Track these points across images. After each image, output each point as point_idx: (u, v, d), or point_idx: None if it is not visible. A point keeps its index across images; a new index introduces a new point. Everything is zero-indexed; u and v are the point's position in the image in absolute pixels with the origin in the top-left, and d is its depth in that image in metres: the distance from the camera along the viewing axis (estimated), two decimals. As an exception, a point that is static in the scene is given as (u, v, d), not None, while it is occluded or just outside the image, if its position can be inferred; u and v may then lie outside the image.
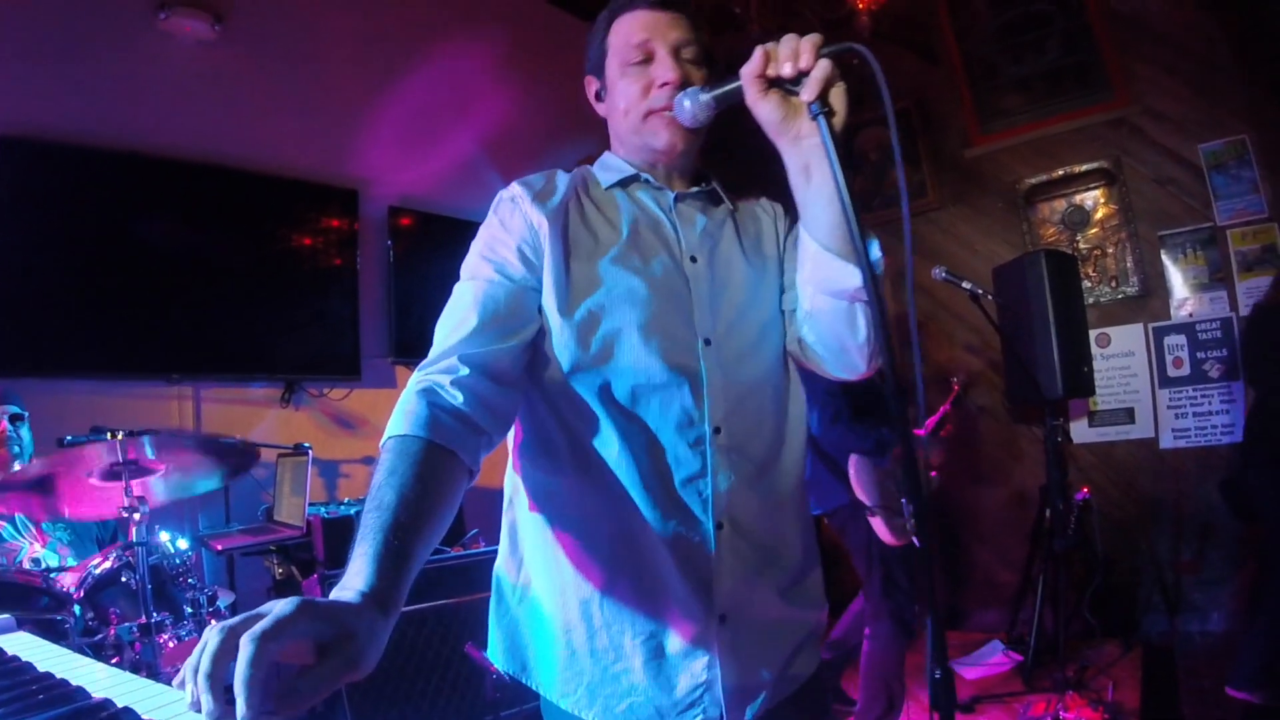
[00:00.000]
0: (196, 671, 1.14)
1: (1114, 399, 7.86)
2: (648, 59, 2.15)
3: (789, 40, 1.80)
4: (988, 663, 7.00)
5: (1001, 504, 8.44)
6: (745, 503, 2.10)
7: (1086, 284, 7.83)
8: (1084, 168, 8.00)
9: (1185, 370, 7.52)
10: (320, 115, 7.08)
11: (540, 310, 2.04)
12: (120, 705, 1.43)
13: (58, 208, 5.76)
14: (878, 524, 5.37)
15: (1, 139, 5.51)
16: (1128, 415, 7.81)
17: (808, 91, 1.77)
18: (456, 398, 1.82)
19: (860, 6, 6.79)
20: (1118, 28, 7.65)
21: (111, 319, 5.95)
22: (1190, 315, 7.47)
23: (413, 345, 7.35)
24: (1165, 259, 7.61)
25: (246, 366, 6.67)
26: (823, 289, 2.02)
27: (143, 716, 1.39)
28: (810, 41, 1.78)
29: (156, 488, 4.41)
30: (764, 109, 1.86)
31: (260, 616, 1.19)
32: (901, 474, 5.60)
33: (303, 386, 6.93)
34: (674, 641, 2.05)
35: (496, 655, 2.23)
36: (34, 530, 4.86)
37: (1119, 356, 7.85)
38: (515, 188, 2.17)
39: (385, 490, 1.59)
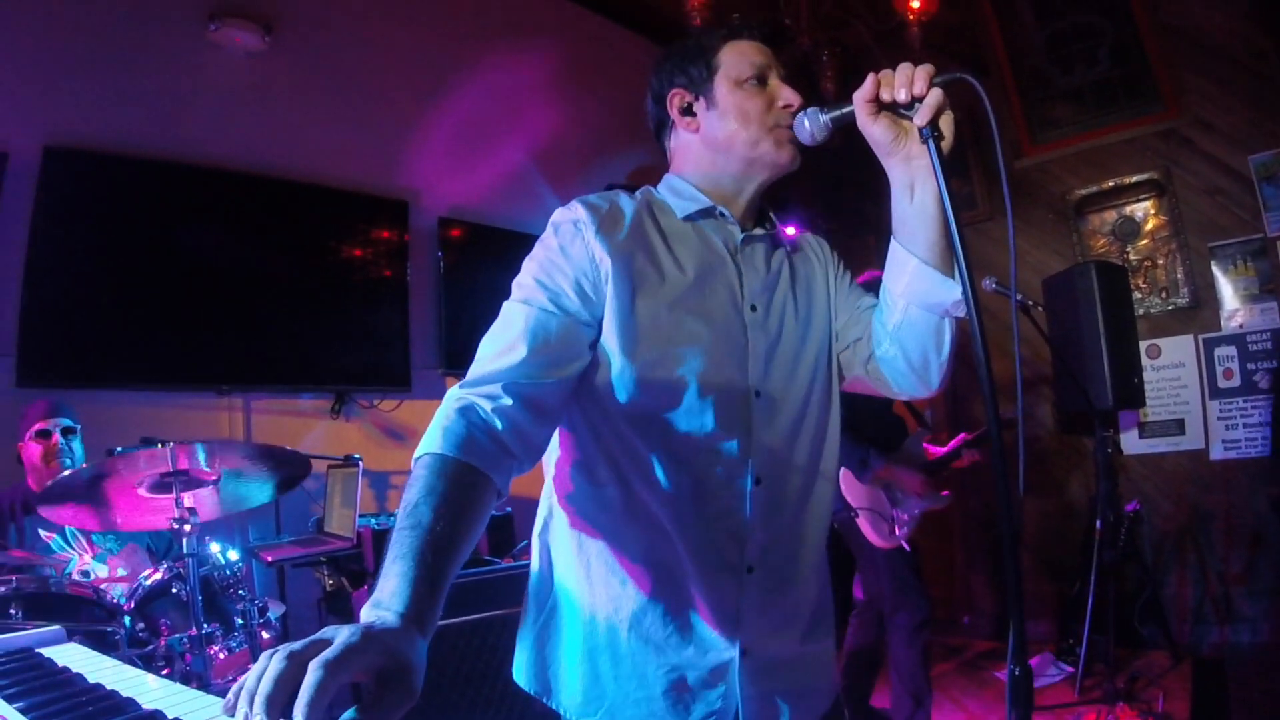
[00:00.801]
0: (254, 694, 1.15)
1: (1164, 410, 7.82)
2: (762, 82, 2.21)
3: (904, 68, 1.91)
4: (1039, 674, 6.97)
5: (1051, 515, 8.41)
6: (776, 547, 2.15)
7: (1137, 295, 7.80)
8: (1134, 179, 7.97)
9: (1236, 381, 7.48)
10: (370, 126, 7.11)
11: (593, 345, 2.04)
12: (171, 717, 1.45)
13: (109, 218, 5.78)
14: (864, 526, 5.44)
15: (54, 150, 5.54)
16: (1178, 426, 7.77)
17: (921, 116, 1.88)
18: (496, 424, 1.82)
19: (910, 18, 6.78)
20: (1167, 39, 7.63)
21: (162, 330, 5.96)
22: (1240, 326, 7.43)
23: (463, 356, 7.22)
24: (1215, 270, 7.57)
25: (296, 378, 6.68)
26: (917, 302, 2.08)
27: (191, 727, 1.41)
28: (924, 70, 1.89)
29: (207, 500, 4.42)
30: (876, 131, 1.96)
31: (324, 643, 1.22)
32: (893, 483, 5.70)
33: (353, 398, 6.94)
34: (695, 672, 2.08)
35: (520, 672, 2.24)
36: (83, 541, 4.89)
37: (1169, 368, 7.81)
38: (580, 210, 2.11)
39: (423, 509, 1.59)
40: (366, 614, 1.40)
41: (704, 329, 2.07)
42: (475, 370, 1.94)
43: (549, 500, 2.27)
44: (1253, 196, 7.35)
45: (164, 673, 3.83)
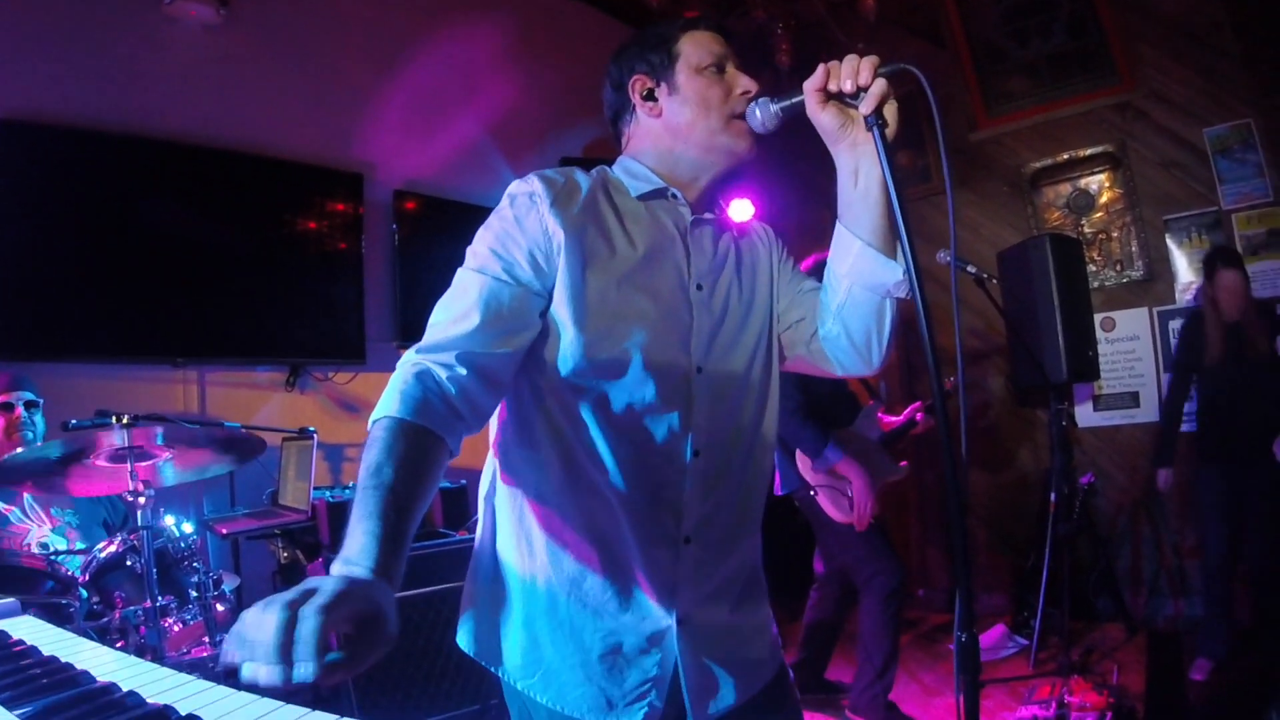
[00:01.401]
0: (261, 646, 1.20)
1: (1119, 383, 7.89)
2: (720, 70, 2.28)
3: (850, 59, 2.01)
4: (992, 647, 7.02)
5: (1006, 488, 8.47)
6: (713, 520, 2.21)
7: (1091, 268, 7.86)
8: (1089, 152, 8.02)
9: (1190, 354, 7.54)
10: (325, 99, 7.09)
11: (543, 315, 2.08)
12: (125, 689, 1.44)
13: (63, 192, 5.74)
14: (824, 502, 5.49)
15: (6, 123, 5.49)
16: (1133, 399, 7.83)
17: (866, 105, 1.99)
18: (450, 390, 1.88)
19: (867, -10, 6.80)
20: (1123, 12, 7.66)
21: (117, 303, 5.93)
22: (1195, 299, 7.47)
23: (417, 329, 7.12)
24: (1170, 243, 7.63)
25: (251, 350, 6.64)
26: (861, 282, 2.19)
27: (148, 700, 1.40)
28: (870, 61, 1.99)
29: (164, 471, 4.41)
30: (824, 119, 2.07)
31: (312, 591, 1.29)
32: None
33: (307, 370, 6.92)
34: (631, 639, 2.13)
35: (463, 637, 2.27)
36: (41, 513, 4.87)
37: (1124, 340, 7.87)
38: (536, 183, 2.14)
39: (385, 470, 1.67)
40: (336, 568, 1.48)
41: (650, 305, 2.13)
42: (430, 336, 1.98)
43: (492, 467, 2.30)
44: (1207, 169, 7.40)
45: (119, 645, 3.86)
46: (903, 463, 5.94)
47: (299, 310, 6.81)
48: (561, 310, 2.05)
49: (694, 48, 2.29)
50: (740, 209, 8.11)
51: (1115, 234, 7.92)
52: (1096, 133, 7.98)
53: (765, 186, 7.60)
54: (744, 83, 2.26)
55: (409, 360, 1.93)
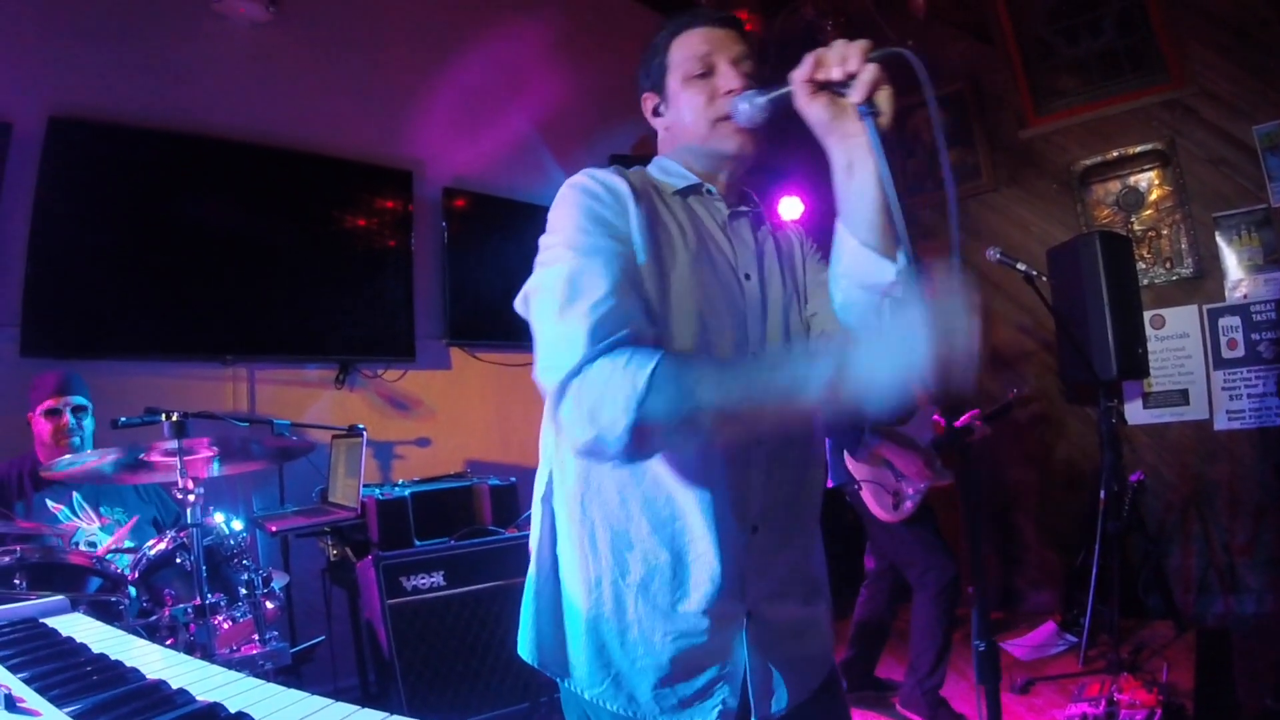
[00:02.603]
0: None
1: (1168, 380, 7.83)
2: (709, 71, 2.22)
3: (838, 45, 1.88)
4: (1042, 644, 6.99)
5: (1055, 485, 8.43)
6: (777, 507, 2.19)
7: (1141, 265, 7.80)
8: (1138, 149, 7.96)
9: (1240, 352, 7.49)
10: (374, 96, 7.12)
11: None
12: (175, 686, 1.46)
13: (113, 189, 5.79)
14: (867, 498, 5.49)
15: (58, 120, 5.54)
16: (1182, 397, 7.77)
17: (856, 94, 1.85)
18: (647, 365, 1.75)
19: (915, -12, 6.78)
20: (1172, 9, 7.61)
21: (167, 301, 5.97)
22: (1245, 297, 7.43)
23: (467, 326, 7.37)
24: (1220, 240, 7.57)
25: (301, 348, 6.68)
26: (857, 282, 2.06)
27: (197, 697, 1.42)
28: (858, 46, 1.85)
29: (213, 465, 4.44)
30: (813, 110, 1.95)
31: None
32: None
33: (357, 368, 6.95)
34: (704, 637, 2.10)
35: (525, 647, 2.26)
36: (91, 512, 4.91)
37: (1173, 338, 7.81)
38: (595, 172, 2.12)
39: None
40: None
41: (711, 293, 2.11)
42: (570, 352, 1.82)
43: (549, 467, 2.28)
44: (1257, 167, 7.34)
45: (168, 643, 3.85)
46: (950, 471, 5.92)
47: (348, 308, 6.85)
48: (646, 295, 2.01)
49: (680, 55, 2.28)
50: (789, 207, 8.14)
51: (1165, 231, 7.87)
52: (1146, 130, 7.92)
53: (816, 184, 7.60)
54: (725, 81, 2.20)
55: (604, 364, 1.78)
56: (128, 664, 1.63)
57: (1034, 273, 6.31)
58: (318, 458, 6.12)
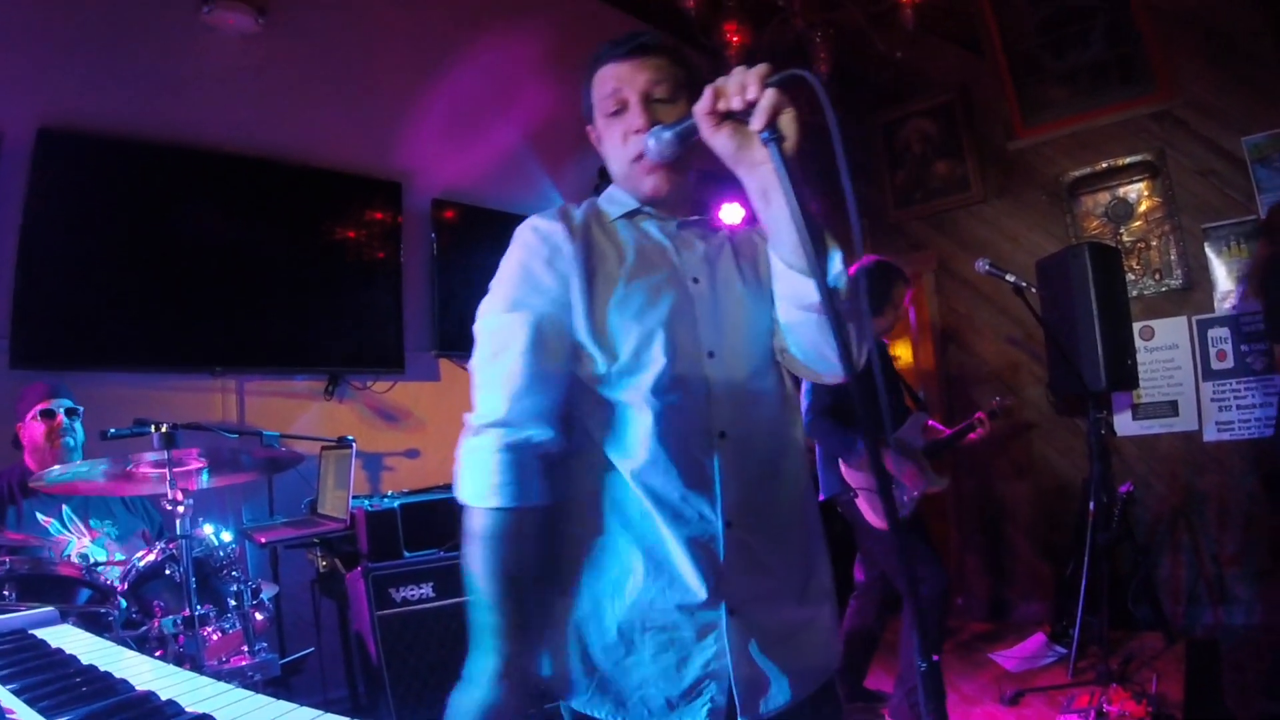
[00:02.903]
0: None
1: (1157, 392, 7.85)
2: (622, 108, 2.28)
3: (736, 74, 1.88)
4: (1032, 655, 7.00)
5: (1045, 496, 8.45)
6: (752, 503, 2.20)
7: (1130, 277, 7.81)
8: (1127, 160, 7.99)
9: (1229, 363, 7.51)
10: (364, 108, 7.10)
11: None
12: (164, 698, 1.46)
13: (102, 200, 5.77)
14: (862, 506, 5.50)
15: (46, 131, 5.52)
16: (1171, 408, 7.80)
17: (757, 120, 1.84)
18: (539, 443, 1.99)
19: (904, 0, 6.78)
20: (1161, 20, 7.64)
21: (155, 311, 5.95)
22: (1234, 308, 7.47)
23: (456, 338, 7.27)
24: (1209, 252, 7.60)
25: (290, 359, 6.67)
26: (792, 303, 2.14)
27: (186, 708, 1.41)
28: (756, 73, 1.85)
29: (201, 476, 4.44)
30: (719, 142, 1.96)
31: None
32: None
33: (346, 379, 6.94)
34: (683, 634, 2.12)
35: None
36: (81, 525, 4.90)
37: (1162, 349, 7.84)
38: (535, 219, 2.28)
39: (492, 583, 1.91)
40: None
41: (652, 298, 2.18)
42: (491, 407, 2.07)
43: None
44: (1246, 178, 7.36)
45: (157, 654, 3.85)
46: (945, 477, 5.94)
47: (337, 319, 6.84)
48: (578, 316, 2.13)
49: (598, 92, 2.34)
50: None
51: (1154, 243, 7.90)
52: (1135, 141, 7.96)
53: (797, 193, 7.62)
54: (630, 120, 2.25)
55: (486, 440, 2.01)
56: (117, 675, 1.63)
57: (1023, 284, 6.33)
58: (307, 469, 6.10)
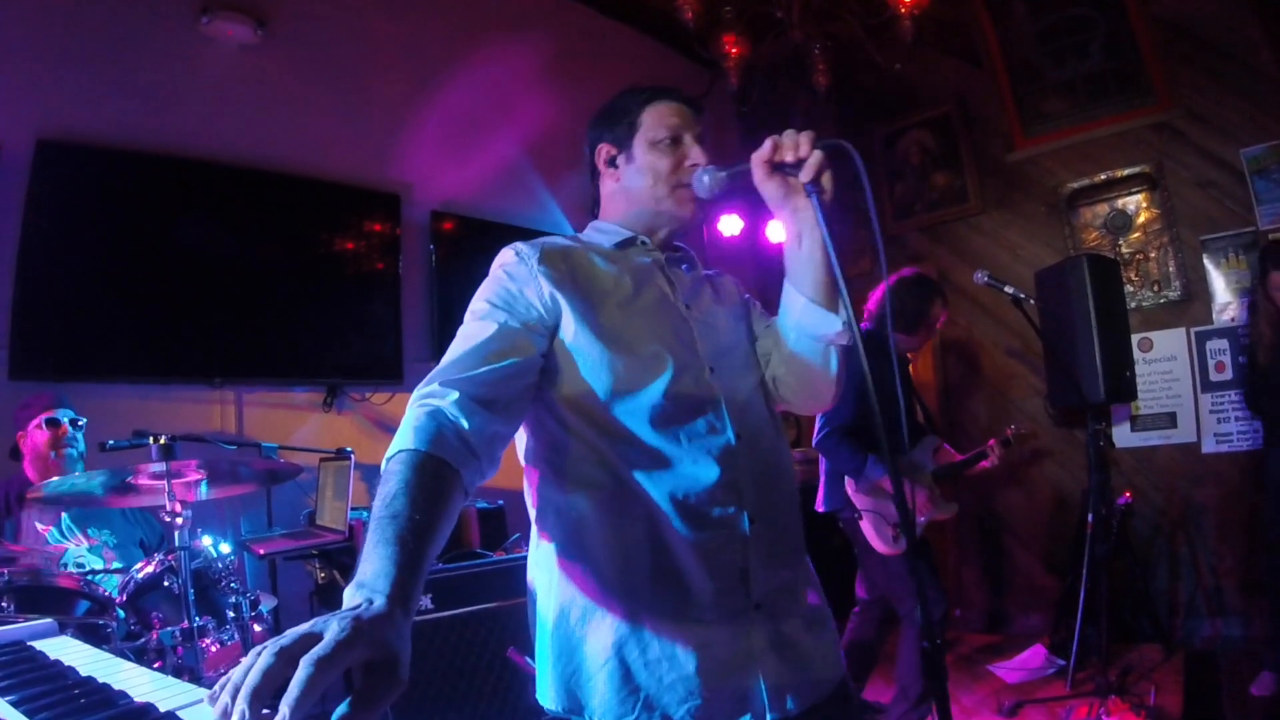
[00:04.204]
0: (239, 687, 1.14)
1: (1156, 403, 7.85)
2: (676, 141, 2.51)
3: (790, 134, 2.20)
4: (1031, 667, 7.00)
5: (1044, 508, 8.44)
6: (767, 498, 2.31)
7: (1128, 288, 7.81)
8: (1126, 172, 8.00)
9: (1227, 374, 7.51)
10: (363, 119, 7.12)
11: (552, 352, 2.25)
12: (163, 710, 1.45)
13: (101, 211, 5.78)
14: (867, 529, 5.47)
15: (45, 143, 5.53)
16: (1170, 420, 7.79)
17: (805, 174, 2.17)
18: (462, 424, 1.92)
19: (902, 11, 6.78)
20: (1160, 32, 7.65)
21: (154, 322, 5.96)
22: (1232, 320, 7.46)
23: None
24: (1207, 263, 7.60)
25: (289, 370, 6.67)
26: (806, 333, 2.41)
27: (185, 721, 1.41)
28: (808, 136, 2.18)
29: (200, 488, 4.43)
30: (769, 188, 2.27)
31: (313, 638, 1.23)
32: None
33: (345, 390, 6.94)
34: (722, 643, 2.14)
35: (545, 694, 2.24)
36: (79, 533, 4.90)
37: (1161, 361, 7.83)
38: (520, 246, 2.38)
39: (399, 500, 1.66)
40: (351, 595, 1.43)
41: (654, 321, 2.35)
42: (437, 375, 2.06)
43: (541, 507, 2.35)
44: (1244, 190, 7.36)
45: (156, 666, 3.84)
46: (954, 504, 5.93)
47: (336, 330, 6.85)
48: (578, 339, 2.23)
49: (653, 121, 2.53)
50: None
51: (1153, 254, 7.90)
52: (1134, 153, 7.96)
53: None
54: (694, 155, 2.49)
55: (416, 399, 1.99)
56: (116, 687, 1.62)
57: (1022, 295, 6.32)
58: (305, 481, 6.11)
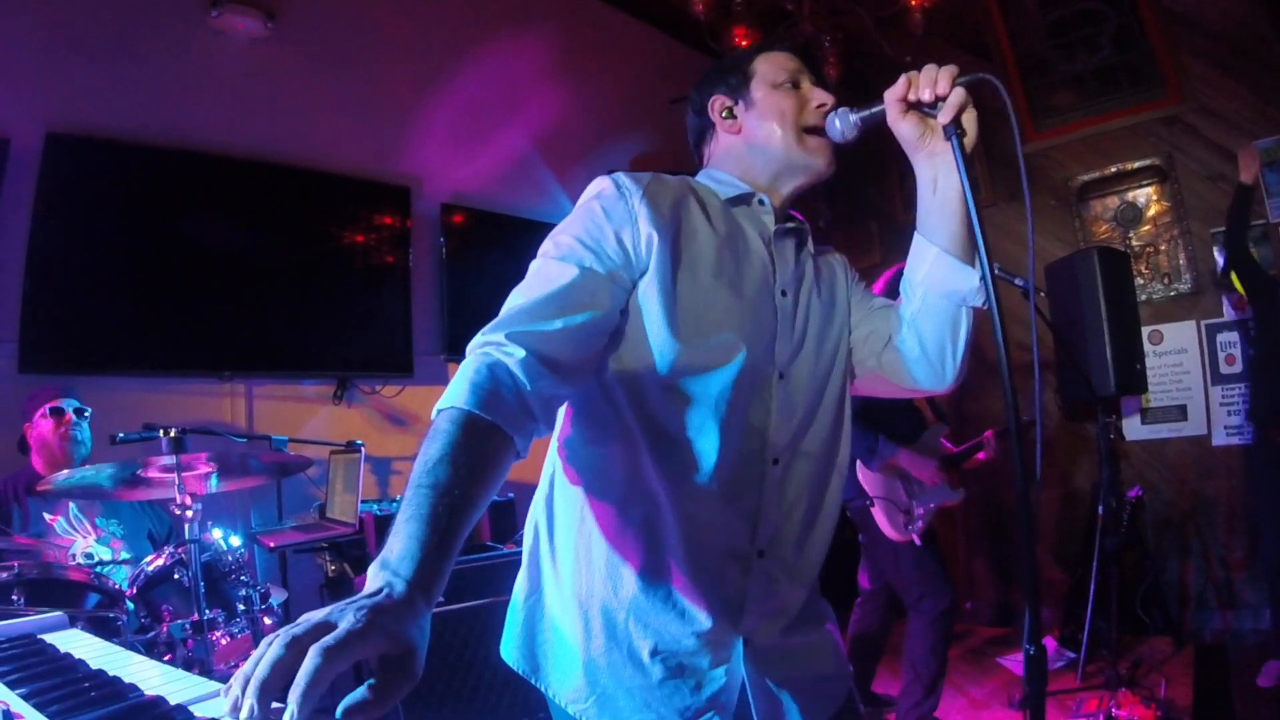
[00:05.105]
0: (249, 679, 1.11)
1: (1166, 396, 7.83)
2: (795, 86, 2.31)
3: (929, 69, 2.02)
4: (1040, 660, 6.99)
5: (1054, 501, 8.42)
6: (786, 533, 2.17)
7: (1139, 281, 7.81)
8: (1136, 165, 7.98)
9: (1238, 367, 7.50)
10: (372, 112, 7.12)
11: (627, 309, 2.02)
12: (173, 703, 1.44)
13: (111, 205, 5.78)
14: (879, 516, 5.45)
15: (56, 136, 5.53)
16: (1180, 412, 7.78)
17: (945, 115, 2.01)
18: (524, 383, 1.76)
19: (913, 4, 6.77)
20: (1170, 25, 7.62)
21: (165, 316, 5.97)
22: (1243, 312, 7.42)
23: (465, 341, 7.11)
24: (1218, 256, 7.58)
25: (299, 363, 6.68)
26: (936, 290, 2.19)
27: (196, 714, 1.40)
28: (948, 71, 2.01)
29: (210, 480, 4.44)
30: (904, 128, 2.10)
31: (326, 626, 1.19)
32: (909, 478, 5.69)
33: (355, 384, 6.96)
34: (694, 659, 2.08)
35: (509, 649, 2.24)
36: (86, 524, 4.90)
37: (1171, 353, 7.82)
38: (623, 179, 2.11)
39: (441, 468, 1.53)
40: (374, 574, 1.36)
41: (739, 304, 2.09)
42: (504, 323, 1.87)
43: (550, 474, 2.26)
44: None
45: (166, 659, 3.84)
46: (960, 489, 5.91)
47: (346, 323, 6.85)
48: (651, 303, 2.00)
49: (769, 66, 2.33)
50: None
51: (1163, 247, 7.88)
52: (1144, 146, 7.94)
53: (810, 200, 7.60)
54: (819, 95, 2.29)
55: (478, 345, 1.83)
56: (126, 680, 1.62)
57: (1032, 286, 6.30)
58: (316, 473, 6.11)
